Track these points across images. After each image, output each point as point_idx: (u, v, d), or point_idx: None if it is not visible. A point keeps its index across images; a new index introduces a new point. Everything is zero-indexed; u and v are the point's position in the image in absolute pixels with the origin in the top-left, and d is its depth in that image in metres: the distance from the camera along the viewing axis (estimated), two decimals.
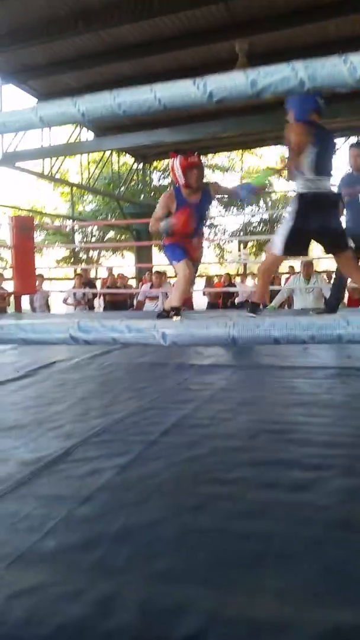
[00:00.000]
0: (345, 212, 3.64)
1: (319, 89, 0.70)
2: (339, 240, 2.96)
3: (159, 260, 17.51)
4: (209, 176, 17.45)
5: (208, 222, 17.11)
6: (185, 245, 3.26)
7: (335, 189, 3.09)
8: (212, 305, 8.64)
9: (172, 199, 3.16)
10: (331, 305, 3.91)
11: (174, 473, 1.06)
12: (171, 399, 1.67)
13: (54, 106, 0.82)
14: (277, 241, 2.86)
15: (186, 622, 0.59)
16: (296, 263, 7.08)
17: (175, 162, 3.10)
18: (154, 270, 7.80)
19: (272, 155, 17.00)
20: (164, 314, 3.29)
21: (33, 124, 0.84)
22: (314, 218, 2.78)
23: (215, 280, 9.70)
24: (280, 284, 7.47)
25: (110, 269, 10.22)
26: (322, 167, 2.82)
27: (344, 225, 3.08)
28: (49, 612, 0.61)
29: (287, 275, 7.97)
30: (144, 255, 13.72)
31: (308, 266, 5.72)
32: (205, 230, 17.76)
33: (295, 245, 2.88)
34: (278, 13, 6.94)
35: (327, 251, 3.14)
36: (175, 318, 3.15)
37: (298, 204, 2.81)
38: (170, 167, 3.22)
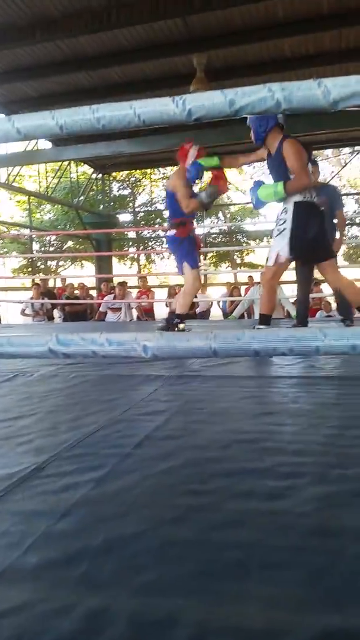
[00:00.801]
0: None
1: (295, 111, 0.72)
2: (327, 249, 3.03)
3: (119, 270, 17.47)
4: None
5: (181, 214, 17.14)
6: (196, 239, 3.41)
7: None
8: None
9: (184, 176, 3.32)
10: (303, 317, 3.95)
11: (150, 486, 1.06)
12: (142, 411, 1.67)
13: (32, 118, 0.82)
14: (284, 247, 2.85)
15: (177, 634, 0.59)
16: (256, 274, 7.21)
17: (193, 150, 3.32)
18: (115, 281, 7.77)
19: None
20: (170, 323, 3.31)
21: (10, 135, 0.83)
22: (311, 226, 2.86)
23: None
24: (240, 295, 7.57)
25: (64, 279, 10.11)
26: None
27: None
28: (39, 630, 0.60)
29: (247, 286, 8.10)
30: (104, 266, 13.64)
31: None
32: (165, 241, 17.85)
33: (299, 250, 2.89)
34: (234, 30, 7.11)
35: (315, 261, 3.13)
36: (181, 326, 3.23)
37: (296, 211, 2.84)
38: (183, 151, 3.39)
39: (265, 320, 2.98)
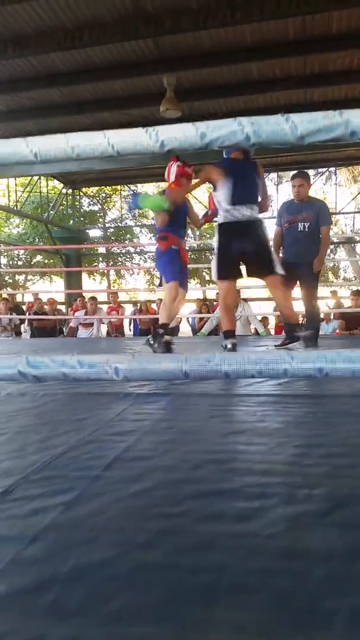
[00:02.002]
0: (283, 239, 3.89)
1: (263, 144, 0.75)
2: (263, 264, 3.14)
3: (89, 285, 17.38)
4: None
5: (139, 249, 17.37)
6: (181, 250, 3.45)
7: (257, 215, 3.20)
8: (143, 332, 8.64)
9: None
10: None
11: (120, 509, 1.06)
12: (111, 431, 1.66)
13: (5, 145, 0.82)
14: (213, 269, 3.15)
15: None
16: None
17: (174, 166, 3.39)
18: (85, 296, 7.72)
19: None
20: (156, 334, 3.32)
21: None
22: (235, 244, 3.05)
23: (154, 306, 9.70)
24: (209, 312, 7.64)
25: (35, 294, 9.99)
26: (238, 197, 3.08)
27: (270, 248, 3.19)
28: None
29: (216, 303, 8.16)
30: (73, 281, 13.55)
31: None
32: (135, 256, 17.80)
33: (226, 270, 3.14)
34: (204, 52, 7.29)
35: (254, 275, 3.31)
36: (166, 337, 3.29)
37: (218, 233, 3.14)
38: (168, 167, 3.48)
39: (228, 335, 3.15)
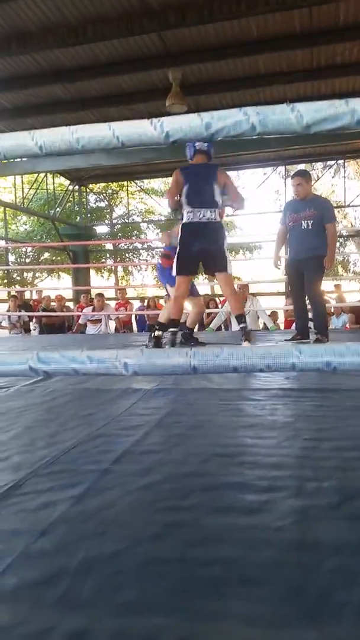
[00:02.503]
0: (288, 237, 3.90)
1: (269, 134, 0.75)
2: (217, 262, 3.34)
3: (97, 282, 17.40)
4: (146, 200, 17.68)
5: (146, 245, 17.37)
6: None
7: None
8: (151, 327, 8.64)
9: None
10: (301, 328, 4.08)
11: (130, 502, 1.06)
12: (120, 426, 1.66)
13: (10, 138, 0.82)
14: (174, 266, 3.39)
15: None
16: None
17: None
18: (93, 292, 7.73)
19: None
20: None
21: None
22: (194, 243, 3.27)
23: (162, 302, 9.69)
24: (217, 307, 7.62)
25: (41, 292, 10.02)
26: (196, 200, 3.28)
27: (224, 248, 3.34)
28: None
29: (224, 298, 8.14)
30: (81, 278, 13.57)
31: (243, 289, 5.91)
32: (143, 252, 17.73)
33: (184, 266, 3.36)
34: (210, 46, 7.24)
35: (208, 272, 3.67)
36: (157, 333, 3.59)
37: (181, 233, 3.34)
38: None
39: (162, 327, 3.53)
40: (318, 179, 15.24)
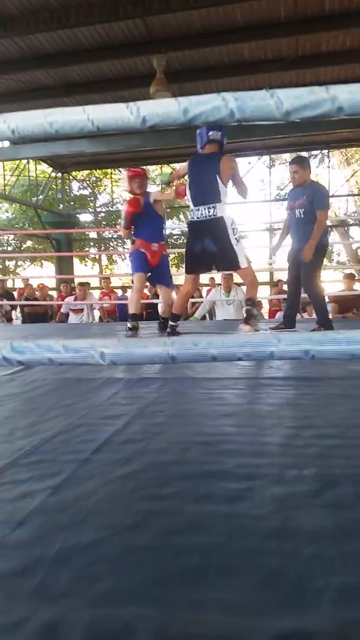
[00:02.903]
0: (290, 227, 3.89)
1: (248, 120, 0.73)
2: (227, 262, 3.23)
3: (80, 271, 17.27)
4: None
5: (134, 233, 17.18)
6: (147, 252, 3.67)
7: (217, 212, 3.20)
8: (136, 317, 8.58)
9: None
10: (289, 319, 4.00)
11: (109, 492, 1.05)
12: (101, 415, 1.65)
13: None
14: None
15: None
16: (217, 276, 7.27)
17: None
18: (76, 281, 7.65)
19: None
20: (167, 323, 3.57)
21: None
22: (195, 243, 3.24)
23: (146, 291, 9.62)
24: (201, 296, 7.62)
25: (25, 280, 9.89)
26: (197, 198, 3.21)
27: (232, 244, 3.16)
28: None
29: (209, 287, 8.15)
30: (64, 266, 13.45)
31: (227, 279, 5.91)
32: (127, 241, 17.68)
33: (188, 266, 3.37)
34: (194, 32, 7.16)
35: (221, 270, 3.71)
36: (129, 324, 3.61)
37: (188, 232, 3.32)
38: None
39: (175, 318, 3.47)
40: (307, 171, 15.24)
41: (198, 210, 3.19)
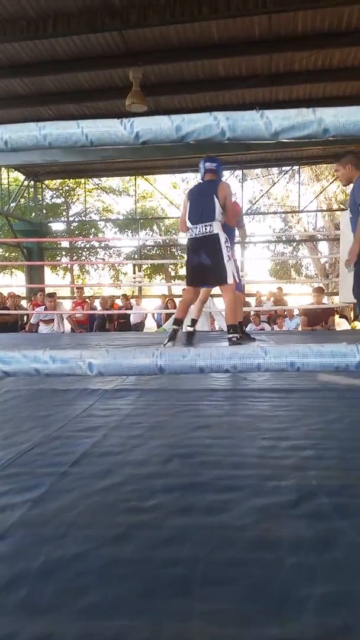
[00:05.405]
0: None
1: (239, 139, 0.76)
2: (216, 277, 3.50)
3: (52, 280, 17.09)
4: (103, 199, 17.51)
5: (103, 244, 17.25)
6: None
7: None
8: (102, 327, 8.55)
9: None
10: None
11: (90, 505, 1.05)
12: (78, 427, 1.64)
13: None
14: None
15: None
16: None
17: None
18: (47, 291, 7.57)
19: (165, 182, 17.49)
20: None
21: None
22: (193, 258, 3.54)
23: (118, 301, 9.59)
24: (175, 307, 7.64)
25: None
26: (195, 217, 3.51)
27: (223, 261, 3.42)
28: None
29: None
30: (35, 275, 13.29)
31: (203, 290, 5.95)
32: (100, 251, 17.54)
33: (189, 278, 3.65)
34: (171, 47, 7.26)
35: (210, 284, 3.90)
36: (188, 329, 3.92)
37: (187, 248, 3.61)
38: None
39: (177, 322, 3.70)
40: (274, 184, 15.53)
41: (196, 227, 3.49)
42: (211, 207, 3.47)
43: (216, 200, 3.46)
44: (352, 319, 8.64)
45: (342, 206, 15.25)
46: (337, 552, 0.85)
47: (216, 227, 3.44)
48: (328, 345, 0.79)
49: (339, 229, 6.04)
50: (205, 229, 3.45)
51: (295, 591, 0.73)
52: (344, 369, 0.76)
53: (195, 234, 3.49)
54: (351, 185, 3.39)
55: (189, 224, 3.53)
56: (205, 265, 3.47)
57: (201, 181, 3.72)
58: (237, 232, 4.37)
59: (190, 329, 3.90)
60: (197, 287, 3.76)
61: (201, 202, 3.52)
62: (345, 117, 0.75)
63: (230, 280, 3.45)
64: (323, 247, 17.27)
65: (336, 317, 7.59)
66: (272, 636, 0.64)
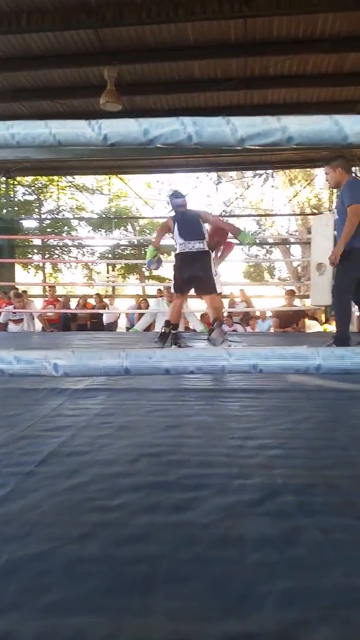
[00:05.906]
0: None
1: (204, 145, 0.77)
2: (205, 287, 3.95)
3: (23, 278, 16.86)
4: (77, 196, 17.37)
5: (77, 242, 17.14)
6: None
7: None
8: (81, 327, 8.50)
9: None
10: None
11: (55, 504, 1.05)
12: (46, 427, 1.63)
13: None
14: (172, 286, 4.09)
15: None
16: (161, 286, 7.33)
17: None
18: (18, 289, 7.45)
19: (140, 182, 17.46)
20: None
21: None
22: (185, 270, 3.90)
23: (91, 300, 9.50)
24: (147, 308, 7.64)
25: None
26: (188, 235, 3.91)
27: (212, 274, 3.86)
28: None
29: (156, 299, 8.18)
30: (5, 273, 13.08)
31: (169, 290, 5.99)
32: (73, 249, 17.36)
33: (177, 288, 4.02)
34: (146, 47, 7.25)
35: (199, 293, 4.19)
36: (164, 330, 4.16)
37: (175, 260, 3.99)
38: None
39: (169, 324, 4.05)
40: (248, 187, 15.68)
41: (190, 243, 3.89)
42: (200, 228, 3.94)
43: (202, 223, 3.96)
44: (323, 321, 8.79)
45: (314, 211, 15.49)
46: (299, 549, 0.87)
47: (206, 245, 3.91)
48: (290, 348, 0.81)
49: (311, 233, 6.13)
50: (200, 245, 3.87)
51: (256, 587, 0.75)
52: (304, 372, 0.79)
53: (189, 249, 3.88)
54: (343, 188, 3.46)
55: (180, 240, 3.91)
56: (198, 277, 3.88)
57: (179, 209, 4.14)
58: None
59: (166, 330, 4.12)
60: (185, 294, 4.20)
61: (191, 224, 3.96)
62: (308, 126, 0.77)
63: (217, 291, 4.02)
64: (295, 250, 17.53)
65: (306, 319, 7.71)
66: (234, 630, 0.65)
